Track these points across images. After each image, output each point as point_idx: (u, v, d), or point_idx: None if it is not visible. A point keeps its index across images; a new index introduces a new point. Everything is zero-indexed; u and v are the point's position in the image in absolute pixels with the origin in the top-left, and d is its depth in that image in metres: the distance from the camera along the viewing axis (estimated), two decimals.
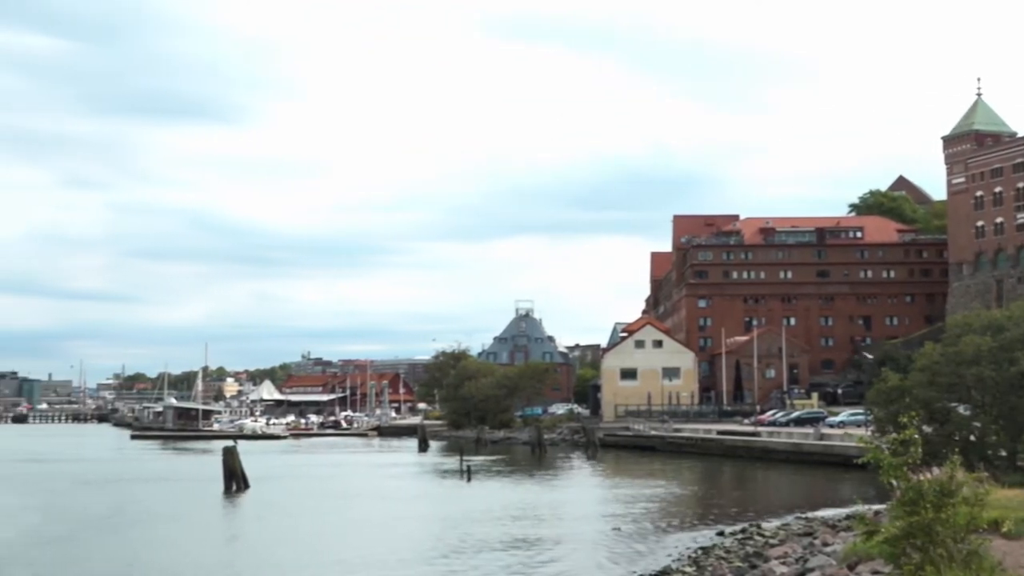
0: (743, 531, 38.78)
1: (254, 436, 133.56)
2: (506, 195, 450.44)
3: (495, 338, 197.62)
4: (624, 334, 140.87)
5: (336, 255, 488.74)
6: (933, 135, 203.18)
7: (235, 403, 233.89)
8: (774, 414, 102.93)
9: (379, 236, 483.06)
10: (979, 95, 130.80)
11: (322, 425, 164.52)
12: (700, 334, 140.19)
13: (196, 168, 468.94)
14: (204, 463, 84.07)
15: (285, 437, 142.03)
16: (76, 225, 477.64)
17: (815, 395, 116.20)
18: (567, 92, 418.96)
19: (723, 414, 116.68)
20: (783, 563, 28.74)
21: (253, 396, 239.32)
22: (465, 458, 78.44)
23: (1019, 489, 30.27)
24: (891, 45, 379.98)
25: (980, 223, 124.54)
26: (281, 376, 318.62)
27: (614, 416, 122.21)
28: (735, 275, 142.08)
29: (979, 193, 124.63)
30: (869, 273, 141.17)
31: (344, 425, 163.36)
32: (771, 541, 35.07)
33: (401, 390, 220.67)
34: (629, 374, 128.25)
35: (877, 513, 29.73)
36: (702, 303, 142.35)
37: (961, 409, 44.73)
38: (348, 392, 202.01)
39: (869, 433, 42.63)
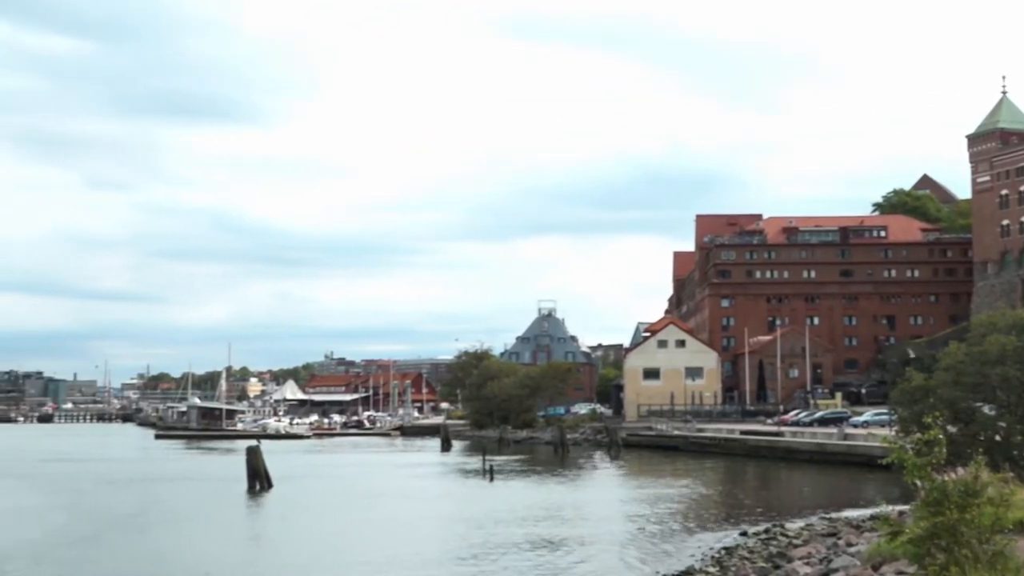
0: (766, 531, 38.65)
1: (277, 436, 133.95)
2: (528, 195, 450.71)
3: (518, 338, 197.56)
4: (647, 334, 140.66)
5: (358, 255, 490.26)
6: (958, 133, 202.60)
7: (258, 403, 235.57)
8: (797, 414, 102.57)
9: (401, 236, 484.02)
10: (1004, 93, 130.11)
11: (345, 425, 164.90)
12: (723, 334, 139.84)
13: (219, 169, 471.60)
14: (228, 463, 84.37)
15: (308, 437, 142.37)
16: (100, 226, 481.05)
17: (839, 395, 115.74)
18: (589, 92, 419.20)
19: (746, 414, 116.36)
20: (807, 563, 28.64)
21: (276, 396, 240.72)
22: (488, 458, 78.43)
23: None
24: (916, 43, 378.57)
25: (1005, 222, 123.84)
26: (304, 376, 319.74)
27: (637, 416, 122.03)
28: (758, 275, 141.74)
29: (1004, 192, 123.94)
30: (893, 272, 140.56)
31: (367, 425, 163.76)
32: (795, 541, 34.94)
33: (424, 390, 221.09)
34: (652, 374, 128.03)
35: (901, 513, 29.59)
36: (725, 303, 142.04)
37: (986, 409, 44.55)
38: (371, 392, 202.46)
39: (893, 433, 42.43)
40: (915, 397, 44.52)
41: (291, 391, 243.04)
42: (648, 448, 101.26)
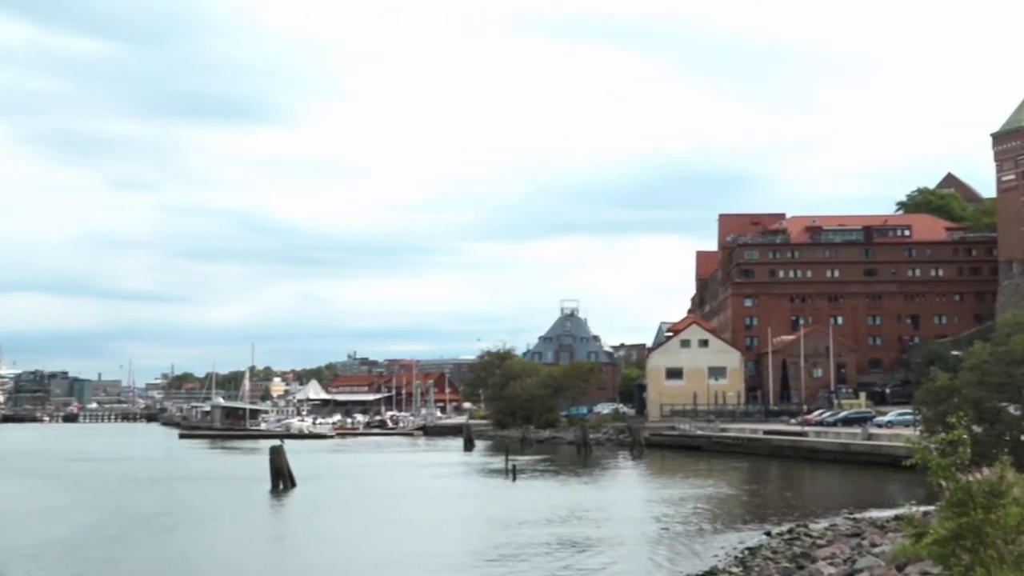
0: (790, 531, 38.54)
1: (301, 435, 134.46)
2: (551, 195, 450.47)
3: (540, 338, 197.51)
4: (670, 333, 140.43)
5: (381, 255, 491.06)
6: (982, 132, 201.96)
7: (282, 403, 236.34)
8: (821, 414, 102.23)
9: (424, 236, 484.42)
10: None
11: (368, 424, 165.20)
12: (746, 333, 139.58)
13: (242, 169, 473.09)
14: (251, 462, 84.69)
15: (331, 436, 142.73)
16: (125, 226, 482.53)
17: (863, 395, 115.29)
18: (611, 91, 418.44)
19: (770, 414, 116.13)
20: (831, 564, 28.57)
21: (299, 396, 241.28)
22: (511, 458, 78.46)
23: None
24: (939, 41, 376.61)
25: None
26: (327, 376, 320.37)
27: (660, 416, 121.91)
28: (781, 274, 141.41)
29: None
30: (917, 272, 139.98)
31: (390, 424, 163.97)
32: (818, 542, 34.84)
33: (446, 390, 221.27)
34: (675, 373, 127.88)
35: (926, 514, 29.48)
36: (748, 302, 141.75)
37: (1011, 409, 44.36)
38: (394, 392, 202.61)
39: (917, 433, 42.30)
40: (940, 397, 44.43)
41: (314, 391, 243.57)
42: (671, 448, 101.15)
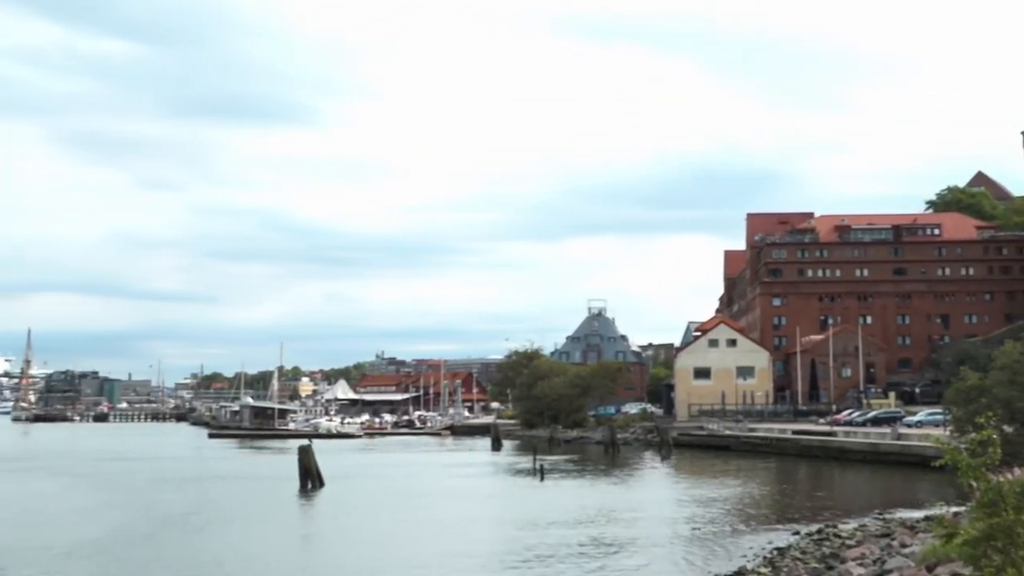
0: (819, 532, 38.45)
1: (329, 435, 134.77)
2: (578, 194, 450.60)
3: (568, 337, 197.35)
4: (698, 333, 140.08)
5: (409, 255, 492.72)
6: (1013, 130, 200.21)
7: (310, 402, 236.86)
8: (850, 414, 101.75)
9: (451, 236, 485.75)
10: None
11: (396, 424, 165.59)
12: (775, 333, 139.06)
13: (270, 169, 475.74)
14: (280, 462, 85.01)
15: (359, 436, 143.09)
16: (154, 226, 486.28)
17: (892, 394, 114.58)
18: (641, 91, 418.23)
19: (798, 414, 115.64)
20: (860, 564, 28.47)
21: (328, 395, 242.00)
22: (538, 457, 78.54)
23: None
24: (969, 38, 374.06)
25: None
26: (355, 376, 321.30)
27: (688, 416, 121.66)
28: (810, 273, 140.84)
29: None
30: (947, 271, 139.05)
31: (418, 424, 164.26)
32: (848, 542, 34.73)
33: (474, 389, 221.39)
34: (703, 373, 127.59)
35: (956, 514, 29.34)
36: (777, 302, 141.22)
37: None
38: (421, 391, 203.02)
39: (947, 433, 42.09)
40: (970, 396, 44.27)
41: (342, 391, 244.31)
42: (699, 448, 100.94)
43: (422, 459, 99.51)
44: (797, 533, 39.15)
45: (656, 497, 60.62)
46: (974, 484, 17.00)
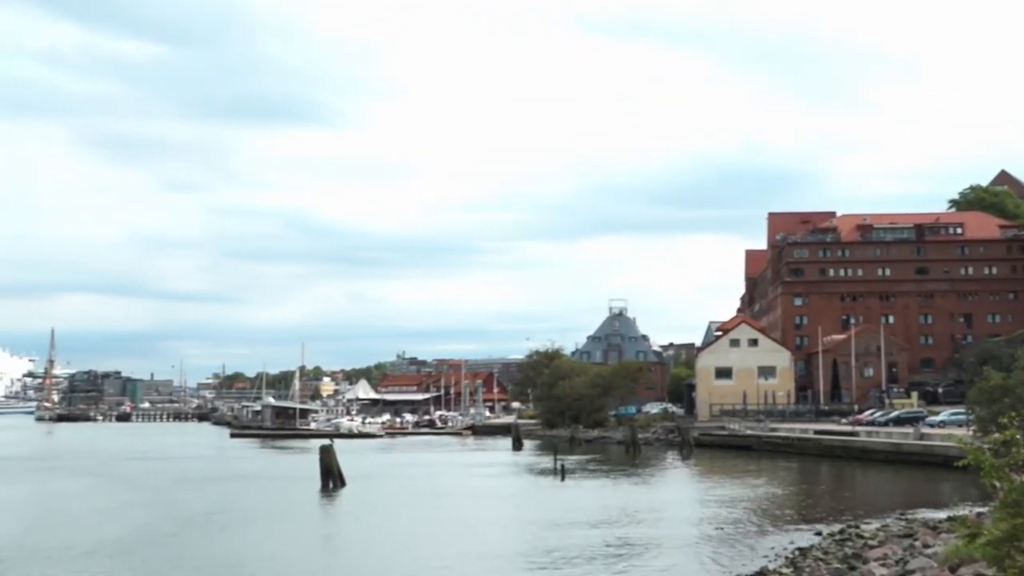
0: (841, 532, 38.33)
1: (350, 435, 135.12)
2: (599, 194, 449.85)
3: (589, 337, 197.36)
4: (719, 333, 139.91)
5: (430, 255, 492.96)
6: None
7: (332, 402, 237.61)
8: (872, 413, 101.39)
9: (472, 236, 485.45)
10: None
11: (417, 424, 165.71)
12: (796, 333, 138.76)
13: (292, 170, 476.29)
14: (302, 461, 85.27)
15: (381, 436, 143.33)
16: (176, 227, 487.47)
17: (915, 394, 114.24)
18: (659, 90, 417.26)
19: (820, 413, 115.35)
20: (882, 564, 28.40)
21: (349, 395, 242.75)
22: (559, 457, 78.53)
23: None
24: (992, 37, 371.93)
25: None
26: (376, 375, 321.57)
27: (709, 415, 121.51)
28: (832, 273, 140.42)
29: None
30: (970, 270, 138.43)
31: (439, 424, 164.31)
32: (870, 542, 34.61)
33: (495, 389, 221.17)
34: (724, 373, 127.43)
35: (979, 515, 29.24)
36: (798, 301, 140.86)
37: None
38: (442, 391, 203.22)
39: (970, 433, 41.91)
40: (993, 396, 44.10)
41: (363, 391, 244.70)
42: (720, 448, 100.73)
43: (443, 459, 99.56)
44: (819, 533, 39.06)
45: (678, 497, 60.55)
46: (997, 484, 16.95)
